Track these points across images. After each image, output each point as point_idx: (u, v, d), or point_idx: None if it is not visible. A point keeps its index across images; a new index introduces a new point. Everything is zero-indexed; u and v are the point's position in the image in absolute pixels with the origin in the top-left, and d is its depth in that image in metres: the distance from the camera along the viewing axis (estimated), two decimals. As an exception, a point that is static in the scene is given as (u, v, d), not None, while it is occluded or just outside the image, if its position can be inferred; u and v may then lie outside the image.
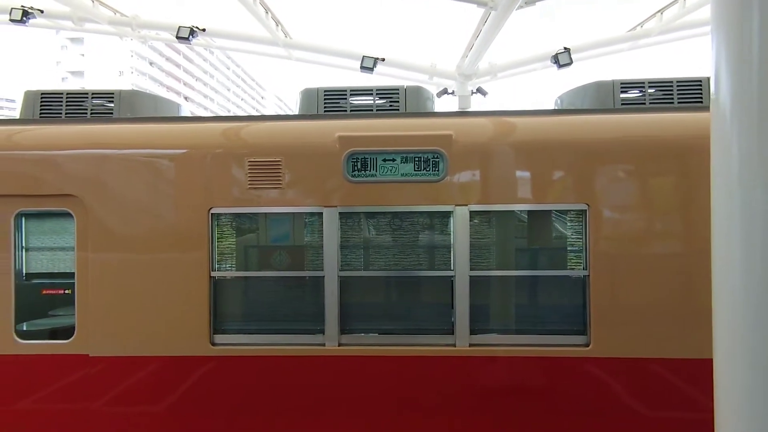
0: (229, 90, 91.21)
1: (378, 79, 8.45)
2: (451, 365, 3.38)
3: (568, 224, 3.57)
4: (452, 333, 3.40)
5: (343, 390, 3.41)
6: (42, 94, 4.12)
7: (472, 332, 3.39)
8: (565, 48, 7.81)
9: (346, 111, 4.07)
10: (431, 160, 3.42)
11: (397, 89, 4.15)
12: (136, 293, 3.48)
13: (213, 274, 3.47)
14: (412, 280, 3.66)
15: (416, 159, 3.43)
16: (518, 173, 3.45)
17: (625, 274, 3.30)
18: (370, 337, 3.50)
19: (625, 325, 3.28)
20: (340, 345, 3.42)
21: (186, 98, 76.31)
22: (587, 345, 3.32)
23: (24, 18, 8.52)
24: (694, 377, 3.20)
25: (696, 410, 3.17)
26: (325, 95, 4.10)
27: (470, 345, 3.37)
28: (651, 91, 3.93)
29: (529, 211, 3.55)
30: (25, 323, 3.62)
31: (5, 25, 9.10)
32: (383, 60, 8.21)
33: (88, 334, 3.47)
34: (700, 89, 3.78)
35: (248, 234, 3.80)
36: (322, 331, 3.43)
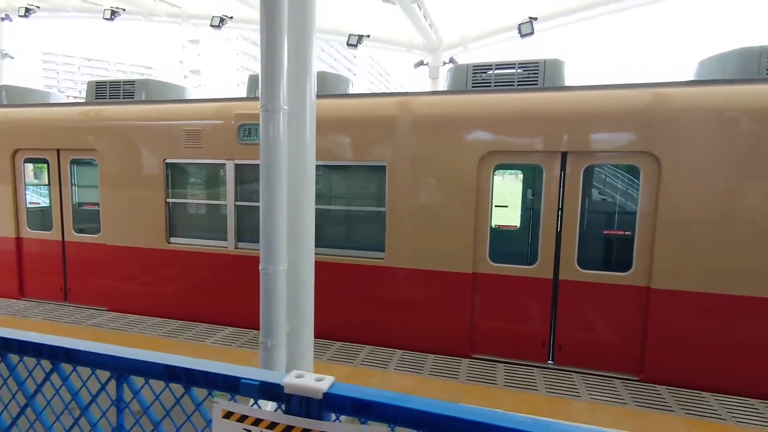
0: (323, 50, 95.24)
1: (369, 53, 9.57)
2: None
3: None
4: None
5: (236, 275, 5.41)
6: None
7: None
8: (530, 18, 8.25)
9: None
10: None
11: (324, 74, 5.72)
12: (131, 211, 5.80)
13: (168, 200, 5.63)
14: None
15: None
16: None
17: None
18: (251, 244, 5.39)
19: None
20: (236, 248, 5.38)
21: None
22: None
23: (112, 16, 11.49)
24: None
25: None
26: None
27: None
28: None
29: None
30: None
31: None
32: (368, 36, 9.44)
33: (106, 233, 5.94)
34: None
35: (185, 175, 5.82)
36: (226, 239, 5.42)
